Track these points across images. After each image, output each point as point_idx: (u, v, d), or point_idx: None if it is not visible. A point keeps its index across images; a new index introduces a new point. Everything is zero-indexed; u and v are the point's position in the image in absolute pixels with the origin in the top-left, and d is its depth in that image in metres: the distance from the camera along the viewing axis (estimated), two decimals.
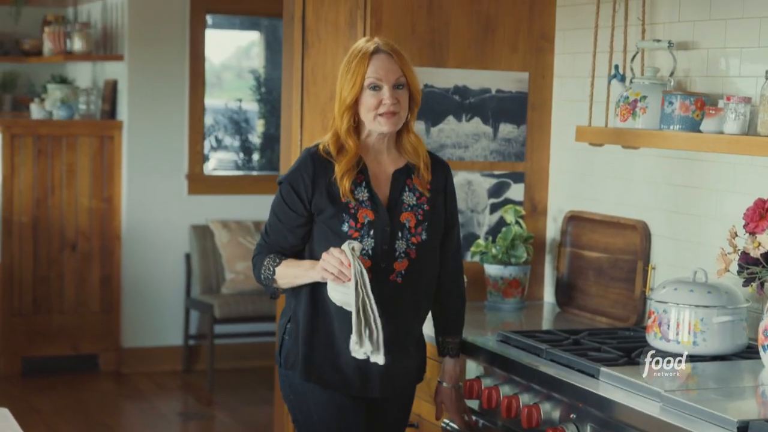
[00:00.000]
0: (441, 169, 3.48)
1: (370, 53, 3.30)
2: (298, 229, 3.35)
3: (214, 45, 8.77)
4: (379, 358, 3.20)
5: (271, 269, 3.35)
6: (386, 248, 3.31)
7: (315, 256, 3.32)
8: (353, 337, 3.17)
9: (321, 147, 3.36)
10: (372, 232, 3.30)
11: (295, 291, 3.39)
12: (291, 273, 3.34)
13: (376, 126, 3.32)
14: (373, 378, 3.34)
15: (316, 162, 3.33)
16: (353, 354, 3.21)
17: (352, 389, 3.35)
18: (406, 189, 3.38)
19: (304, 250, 3.38)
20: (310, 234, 3.36)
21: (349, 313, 3.20)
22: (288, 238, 3.37)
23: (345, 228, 3.29)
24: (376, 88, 3.29)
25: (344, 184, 3.29)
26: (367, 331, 3.17)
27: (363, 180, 3.33)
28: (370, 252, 3.30)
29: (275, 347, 3.51)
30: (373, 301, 3.17)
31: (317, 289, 3.33)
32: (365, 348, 3.18)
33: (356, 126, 3.36)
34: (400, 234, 3.34)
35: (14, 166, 7.58)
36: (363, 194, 3.32)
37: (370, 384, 3.35)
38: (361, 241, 3.28)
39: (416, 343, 3.46)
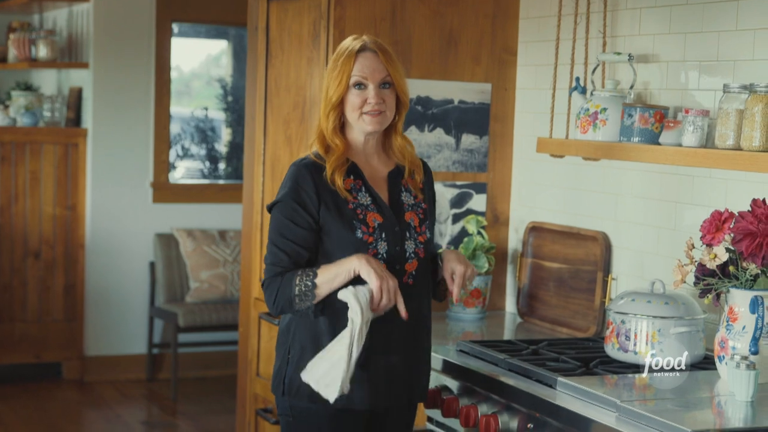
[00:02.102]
0: (425, 169, 3.44)
1: (356, 51, 3.23)
2: (310, 242, 3.21)
3: (185, 53, 8.75)
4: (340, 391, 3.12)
5: (311, 276, 3.15)
6: (398, 249, 3.24)
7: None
8: (344, 376, 3.08)
9: (312, 154, 3.26)
10: (384, 235, 3.22)
11: (290, 324, 3.28)
12: (331, 272, 3.14)
13: (361, 125, 3.24)
14: (382, 389, 3.23)
15: (313, 172, 3.22)
16: (333, 396, 3.11)
17: (361, 403, 3.22)
18: (403, 189, 3.32)
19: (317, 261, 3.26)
20: (320, 247, 3.23)
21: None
22: (302, 254, 3.21)
23: (359, 234, 3.19)
24: (361, 86, 3.22)
25: (337, 181, 3.20)
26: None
27: (362, 185, 3.26)
28: (384, 255, 3.21)
29: (277, 377, 3.29)
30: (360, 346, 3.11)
31: (313, 322, 3.22)
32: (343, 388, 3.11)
33: (342, 127, 3.28)
34: (408, 234, 3.27)
35: None
36: (366, 198, 3.24)
37: (379, 395, 3.24)
38: (375, 246, 3.19)
39: (427, 350, 3.38)
